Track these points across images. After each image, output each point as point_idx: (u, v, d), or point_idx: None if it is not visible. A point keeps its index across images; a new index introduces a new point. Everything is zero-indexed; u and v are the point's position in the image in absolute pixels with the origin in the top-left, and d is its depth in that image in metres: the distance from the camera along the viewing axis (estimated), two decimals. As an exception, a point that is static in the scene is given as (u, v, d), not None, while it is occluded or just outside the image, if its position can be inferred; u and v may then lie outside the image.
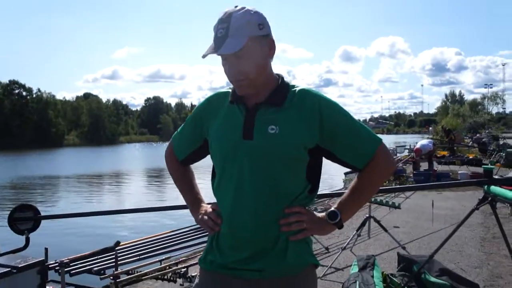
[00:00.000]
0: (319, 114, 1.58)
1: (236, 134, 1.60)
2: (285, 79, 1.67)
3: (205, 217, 1.70)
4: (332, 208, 1.64)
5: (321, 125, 1.58)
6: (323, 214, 1.65)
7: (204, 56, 1.55)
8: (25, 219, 3.57)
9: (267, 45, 1.61)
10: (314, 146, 1.60)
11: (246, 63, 1.55)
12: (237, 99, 1.65)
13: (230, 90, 1.70)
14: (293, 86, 1.66)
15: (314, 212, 1.69)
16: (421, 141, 17.27)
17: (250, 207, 1.56)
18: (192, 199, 1.84)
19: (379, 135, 1.71)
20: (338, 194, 3.83)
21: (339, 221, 1.62)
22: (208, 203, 1.78)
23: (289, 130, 1.57)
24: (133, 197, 17.29)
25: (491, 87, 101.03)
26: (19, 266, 2.89)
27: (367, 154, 1.63)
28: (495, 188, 3.06)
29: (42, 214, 3.82)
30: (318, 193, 1.73)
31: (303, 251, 1.63)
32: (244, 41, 1.51)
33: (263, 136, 1.57)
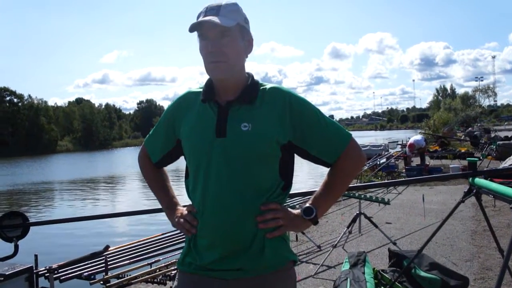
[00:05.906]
0: (290, 111, 1.60)
1: (209, 132, 1.60)
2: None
3: (181, 219, 1.69)
4: (307, 204, 1.64)
5: (292, 121, 1.60)
6: (299, 210, 1.66)
7: (191, 28, 1.55)
8: (14, 227, 3.55)
9: (248, 41, 1.65)
10: (286, 143, 1.61)
11: (229, 44, 1.57)
12: (208, 98, 1.65)
13: (201, 89, 1.69)
14: (263, 84, 1.67)
15: (290, 209, 1.69)
16: (415, 136, 17.45)
17: (226, 206, 1.56)
18: (168, 203, 1.82)
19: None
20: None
21: (314, 217, 1.62)
22: (184, 206, 1.77)
23: (261, 127, 1.57)
24: (123, 201, 17.16)
25: (481, 80, 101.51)
26: (7, 273, 2.88)
27: (338, 149, 1.65)
28: (479, 180, 3.07)
29: (33, 220, 3.81)
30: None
31: (280, 248, 1.63)
32: (235, 22, 1.56)
33: (236, 134, 1.57)
